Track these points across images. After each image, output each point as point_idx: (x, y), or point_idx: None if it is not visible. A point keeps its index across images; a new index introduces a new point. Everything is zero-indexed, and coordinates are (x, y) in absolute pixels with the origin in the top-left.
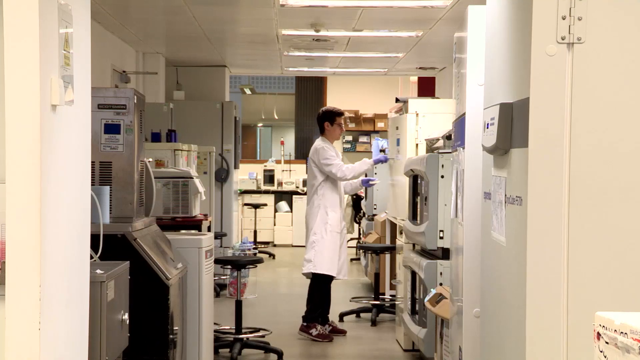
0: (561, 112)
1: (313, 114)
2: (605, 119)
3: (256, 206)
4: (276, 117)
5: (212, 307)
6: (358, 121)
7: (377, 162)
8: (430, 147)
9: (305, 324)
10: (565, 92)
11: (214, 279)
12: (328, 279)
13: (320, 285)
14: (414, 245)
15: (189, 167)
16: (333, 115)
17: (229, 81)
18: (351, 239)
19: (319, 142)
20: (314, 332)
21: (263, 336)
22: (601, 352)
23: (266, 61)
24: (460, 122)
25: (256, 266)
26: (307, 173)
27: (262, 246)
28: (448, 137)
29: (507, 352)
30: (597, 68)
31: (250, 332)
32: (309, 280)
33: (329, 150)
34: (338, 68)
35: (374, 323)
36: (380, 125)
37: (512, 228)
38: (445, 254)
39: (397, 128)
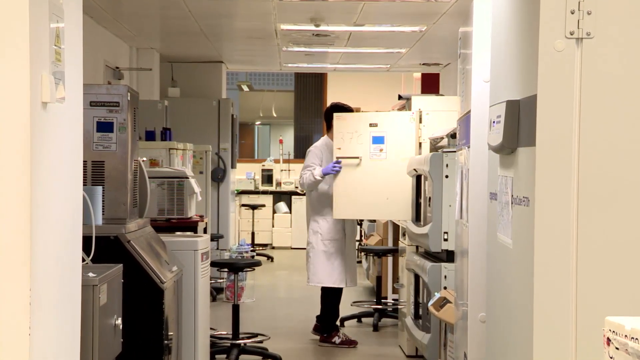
0: (570, 109)
1: (313, 111)
2: (615, 117)
3: (254, 207)
4: (275, 114)
5: (208, 312)
6: None
7: (325, 173)
8: (434, 146)
9: (325, 334)
10: (574, 89)
11: (210, 283)
12: (336, 288)
13: (329, 295)
14: (417, 247)
15: (185, 166)
16: (342, 112)
17: (225, 78)
18: None
19: (316, 143)
20: (336, 340)
21: (261, 342)
22: (611, 358)
23: (264, 57)
24: (465, 120)
25: (254, 269)
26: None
27: (260, 248)
28: (453, 136)
29: (513, 358)
30: (607, 64)
31: (248, 338)
32: (308, 285)
33: (313, 156)
34: (339, 64)
35: (375, 328)
36: None
37: (519, 230)
38: (449, 256)
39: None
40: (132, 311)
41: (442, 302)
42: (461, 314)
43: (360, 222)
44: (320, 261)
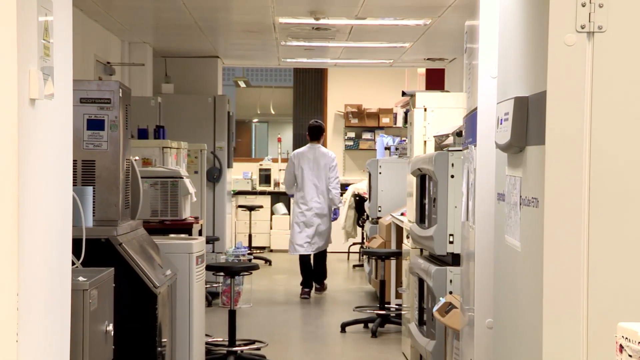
0: (580, 106)
1: (312, 109)
2: (628, 114)
3: (251, 208)
4: (273, 112)
5: (203, 318)
6: (361, 116)
7: None
8: (439, 144)
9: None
10: (585, 85)
11: (206, 287)
12: None
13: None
14: (421, 250)
15: (179, 166)
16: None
17: (221, 73)
18: (354, 244)
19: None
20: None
21: (258, 349)
22: None
23: (262, 52)
24: (471, 118)
25: (251, 273)
26: (315, 171)
27: (258, 251)
28: (458, 134)
29: None
30: (620, 59)
31: (245, 344)
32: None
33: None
34: (340, 59)
35: (374, 334)
36: (385, 120)
37: (528, 232)
38: (455, 259)
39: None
40: (124, 317)
41: (448, 308)
42: (467, 320)
43: (362, 224)
44: None
